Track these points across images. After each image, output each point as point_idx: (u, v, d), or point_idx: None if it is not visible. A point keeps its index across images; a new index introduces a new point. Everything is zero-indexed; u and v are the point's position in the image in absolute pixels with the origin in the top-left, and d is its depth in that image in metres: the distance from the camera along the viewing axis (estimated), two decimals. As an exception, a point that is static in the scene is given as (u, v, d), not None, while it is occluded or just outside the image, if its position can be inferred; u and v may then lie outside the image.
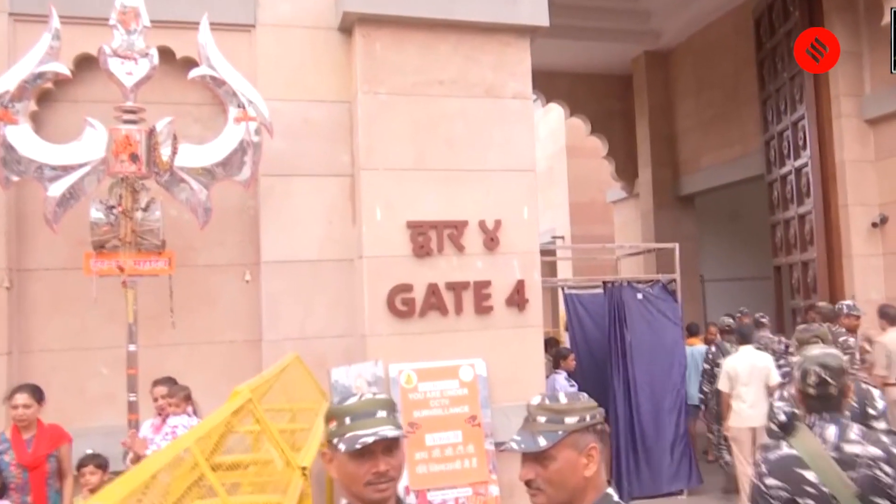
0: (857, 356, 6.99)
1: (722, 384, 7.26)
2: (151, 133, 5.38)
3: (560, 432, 1.91)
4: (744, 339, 7.46)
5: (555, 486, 1.90)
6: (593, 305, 8.37)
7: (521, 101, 6.68)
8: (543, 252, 7.08)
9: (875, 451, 2.63)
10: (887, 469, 2.60)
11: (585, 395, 2.02)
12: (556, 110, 16.63)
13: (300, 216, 6.25)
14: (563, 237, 17.08)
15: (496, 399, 6.18)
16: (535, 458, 1.92)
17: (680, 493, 7.83)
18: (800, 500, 2.64)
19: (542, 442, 1.90)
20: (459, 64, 6.47)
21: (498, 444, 6.02)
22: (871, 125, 10.00)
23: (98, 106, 5.61)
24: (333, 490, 5.64)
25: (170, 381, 5.12)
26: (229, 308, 6.18)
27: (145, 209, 5.39)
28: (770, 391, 6.89)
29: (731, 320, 9.06)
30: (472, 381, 6.20)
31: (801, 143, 10.25)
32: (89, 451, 4.91)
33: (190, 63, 5.86)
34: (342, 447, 1.90)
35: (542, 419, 1.94)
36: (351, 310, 6.28)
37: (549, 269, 15.14)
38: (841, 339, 6.95)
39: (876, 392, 4.10)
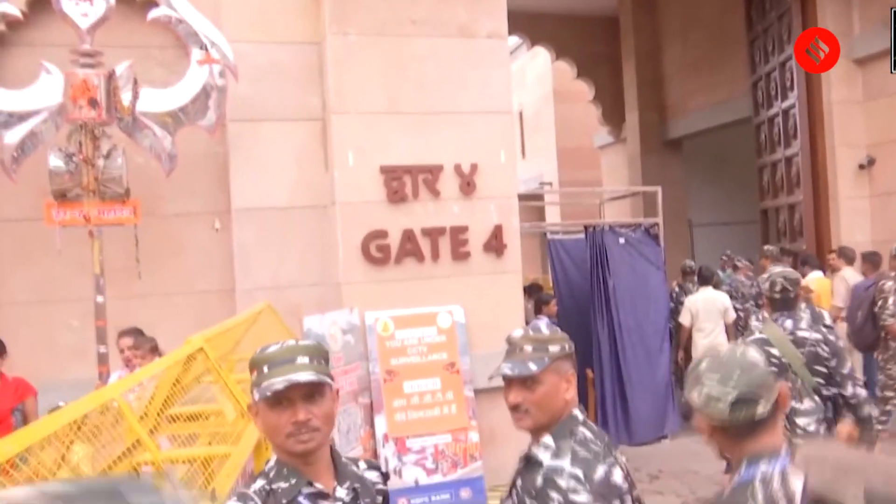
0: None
1: (684, 318, 8.32)
2: (111, 77, 5.18)
3: (546, 359, 2.06)
4: (704, 280, 8.47)
5: (541, 409, 2.05)
6: (577, 251, 8.24)
7: (496, 40, 6.47)
8: (530, 197, 6.98)
9: (816, 336, 4.06)
10: (825, 347, 4.02)
11: None
12: (542, 55, 16.37)
13: (270, 162, 6.10)
14: (550, 183, 16.95)
15: (475, 346, 6.10)
16: (523, 383, 2.05)
17: (664, 437, 7.82)
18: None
19: (533, 367, 2.04)
20: (431, 1, 6.25)
21: (477, 391, 5.96)
22: (859, 65, 9.79)
23: (55, 50, 5.41)
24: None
25: (136, 333, 5.01)
26: (200, 257, 6.06)
27: (107, 156, 5.22)
28: (727, 327, 8.20)
29: (692, 263, 9.92)
30: (450, 328, 6.11)
31: (788, 84, 10.05)
32: (60, 404, 4.82)
33: (150, 4, 5.65)
34: (257, 396, 1.79)
35: (528, 348, 2.08)
36: (325, 257, 6.16)
37: (538, 214, 15.03)
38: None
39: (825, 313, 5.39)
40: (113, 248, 5.40)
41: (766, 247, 9.50)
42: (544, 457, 2.00)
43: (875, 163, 9.68)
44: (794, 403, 3.97)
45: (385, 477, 2.06)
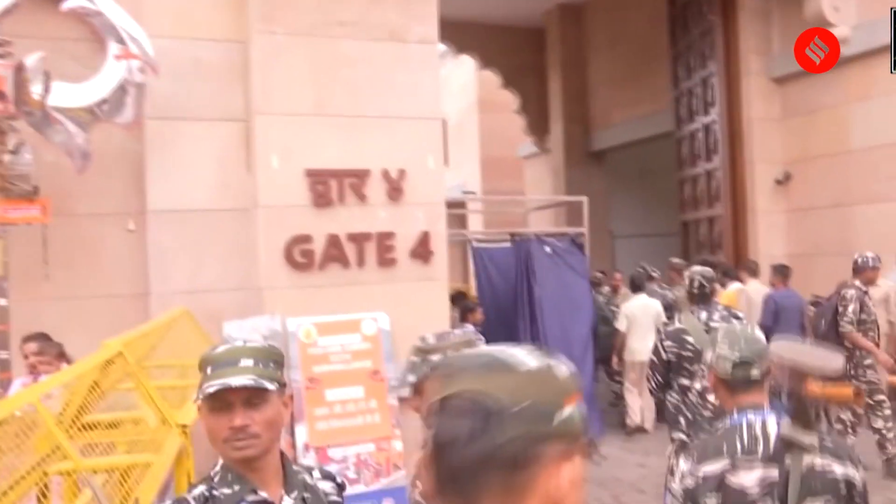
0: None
1: (620, 325, 8.59)
2: (20, 69, 4.90)
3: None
4: (637, 288, 8.88)
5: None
6: (501, 259, 8.27)
7: (426, 45, 6.41)
8: (453, 205, 6.93)
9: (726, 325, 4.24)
10: None
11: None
12: (467, 64, 16.40)
13: (190, 163, 5.88)
14: (473, 192, 16.98)
15: (400, 353, 5.99)
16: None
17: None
18: (683, 353, 4.62)
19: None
20: (361, 4, 6.15)
21: (401, 399, 5.87)
22: (777, 83, 10.14)
23: (-42, 38, 5.09)
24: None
25: (41, 338, 4.74)
26: (113, 260, 5.79)
27: (14, 152, 4.94)
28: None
29: (599, 274, 10.53)
30: (375, 335, 6.01)
31: (710, 99, 10.34)
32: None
33: (65, -6, 5.37)
34: (197, 398, 1.72)
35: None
36: (246, 262, 5.97)
37: (460, 222, 15.02)
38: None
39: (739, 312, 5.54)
40: (19, 248, 5.12)
41: (673, 259, 9.94)
42: None
43: (791, 178, 10.01)
44: (705, 382, 4.24)
45: (341, 488, 1.97)
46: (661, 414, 8.53)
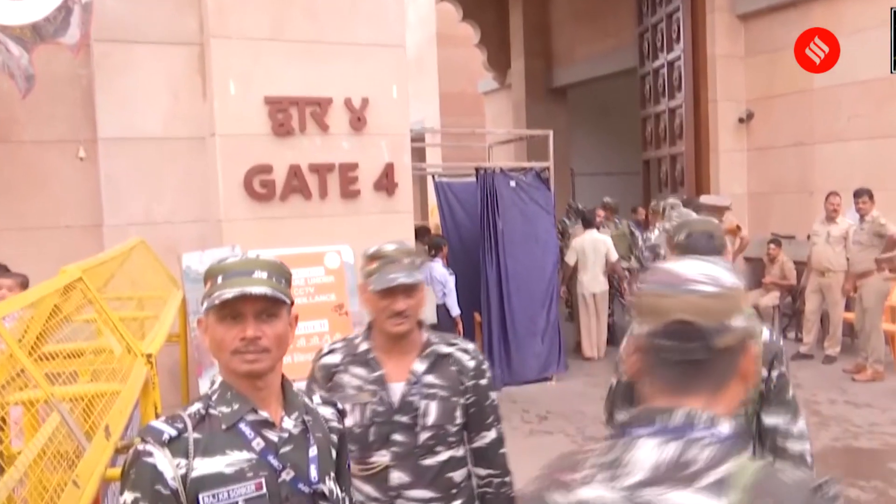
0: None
1: (569, 258, 8.82)
2: (-46, -18, 4.57)
3: (420, 269, 2.33)
4: (588, 223, 9.00)
5: (417, 314, 2.30)
6: (465, 194, 8.13)
7: (390, -32, 6.15)
8: (412, 138, 6.72)
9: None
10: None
11: None
12: (426, -5, 15.98)
13: (142, 88, 5.60)
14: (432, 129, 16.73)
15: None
16: (407, 291, 2.24)
17: (549, 379, 7.91)
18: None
19: (419, 276, 2.29)
20: (322, -78, 5.85)
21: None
22: (742, 20, 10.06)
23: None
24: (189, 383, 5.27)
25: (1, 269, 4.52)
26: (64, 189, 5.53)
27: (-49, 72, 4.63)
28: (609, 266, 8.83)
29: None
30: (339, 269, 5.86)
31: (674, 36, 10.20)
32: None
33: None
34: (206, 306, 1.63)
35: (406, 260, 2.28)
36: (204, 193, 5.76)
37: (418, 157, 14.80)
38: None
39: None
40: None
41: (605, 199, 10.20)
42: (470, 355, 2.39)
43: (753, 117, 10.01)
44: None
45: (342, 414, 1.91)
46: (612, 337, 8.79)
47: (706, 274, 1.18)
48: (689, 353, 1.15)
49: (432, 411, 2.27)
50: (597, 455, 1.17)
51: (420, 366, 2.31)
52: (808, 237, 8.40)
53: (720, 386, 1.18)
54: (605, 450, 1.17)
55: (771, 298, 9.27)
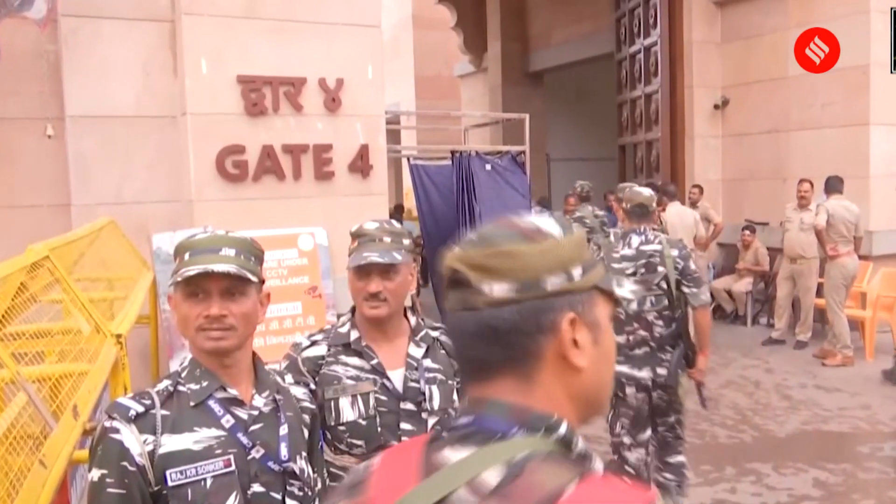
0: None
1: None
2: (-85, -49, 4.43)
3: (403, 251, 2.17)
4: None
5: (396, 297, 2.17)
6: (440, 177, 8.09)
7: (365, -54, 6.06)
8: (388, 120, 6.66)
9: (656, 247, 4.16)
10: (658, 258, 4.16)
11: None
12: (402, -25, 15.84)
13: (111, 65, 5.47)
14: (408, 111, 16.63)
15: (338, 269, 5.82)
16: (383, 272, 2.14)
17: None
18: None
19: (398, 257, 2.14)
20: None
21: (340, 316, 5.72)
22: (718, 6, 10.07)
23: None
24: (160, 365, 5.20)
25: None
26: (30, 168, 5.40)
27: (-88, 45, 4.49)
28: None
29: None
30: (312, 251, 5.81)
31: (651, 21, 10.19)
32: None
33: None
34: (171, 282, 1.62)
35: (387, 239, 2.16)
36: (175, 172, 5.65)
37: (393, 140, 14.69)
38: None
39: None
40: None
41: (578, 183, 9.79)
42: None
43: (728, 103, 10.04)
44: None
45: (313, 395, 1.91)
46: None
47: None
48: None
49: (436, 395, 2.22)
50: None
51: (417, 350, 2.26)
52: (781, 224, 8.47)
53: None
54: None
55: (744, 284, 9.35)
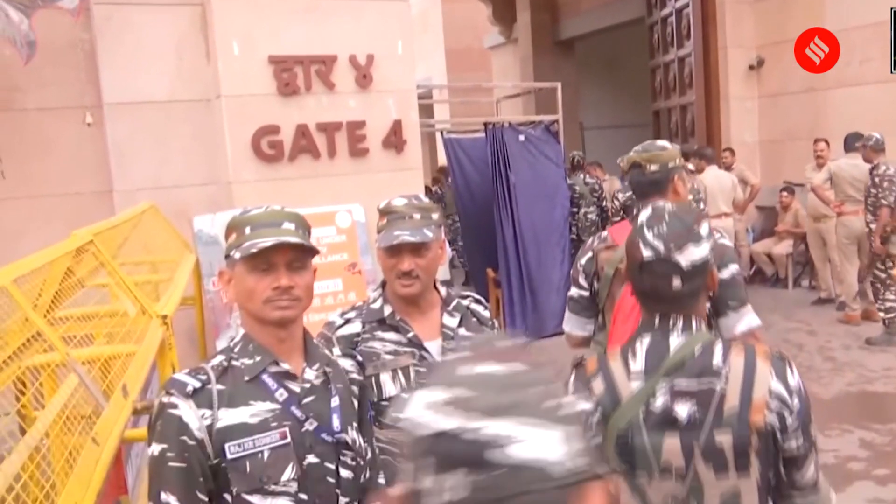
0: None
1: None
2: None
3: (433, 227, 2.17)
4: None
5: (428, 274, 2.19)
6: (474, 150, 8.06)
7: (391, -81, 6.02)
8: (419, 95, 6.65)
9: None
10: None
11: None
12: (429, -51, 15.70)
13: (145, 52, 5.53)
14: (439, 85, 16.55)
15: (375, 245, 5.86)
16: (415, 249, 2.13)
17: (562, 333, 7.90)
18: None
19: (429, 234, 2.14)
20: None
21: (378, 292, 5.77)
22: (750, -36, 9.84)
23: None
24: (206, 346, 5.30)
25: None
26: (71, 156, 5.50)
27: (-47, 40, 4.59)
28: None
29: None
30: (350, 228, 5.85)
31: (682, -19, 9.99)
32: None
33: None
34: (237, 255, 1.63)
35: (416, 216, 2.15)
36: (212, 155, 5.72)
37: (426, 114, 14.67)
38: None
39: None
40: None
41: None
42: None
43: (764, 64, 9.84)
44: None
45: (361, 367, 1.94)
46: None
47: None
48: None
49: None
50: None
51: (451, 320, 2.27)
52: (803, 185, 8.38)
53: None
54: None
55: (784, 246, 9.22)
